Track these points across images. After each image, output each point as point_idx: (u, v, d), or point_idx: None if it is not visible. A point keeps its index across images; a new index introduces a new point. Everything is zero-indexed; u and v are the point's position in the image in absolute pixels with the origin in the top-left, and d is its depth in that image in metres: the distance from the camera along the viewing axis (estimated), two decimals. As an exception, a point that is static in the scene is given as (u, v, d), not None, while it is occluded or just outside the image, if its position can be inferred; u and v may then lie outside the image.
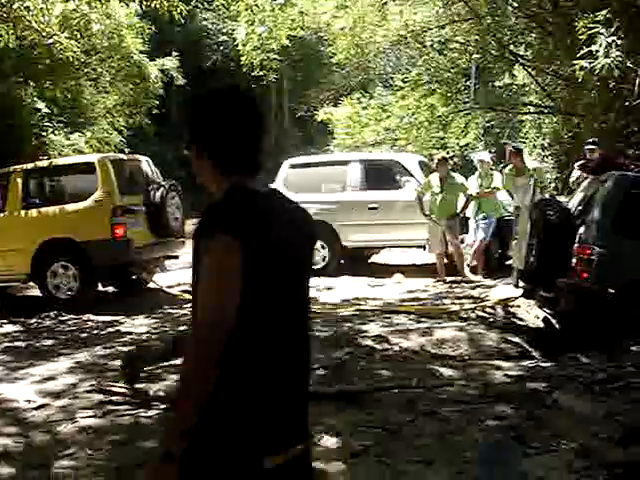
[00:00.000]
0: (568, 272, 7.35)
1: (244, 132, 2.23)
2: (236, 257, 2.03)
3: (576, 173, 10.18)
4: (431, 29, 14.95)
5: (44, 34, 12.08)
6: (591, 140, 10.45)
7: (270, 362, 2.13)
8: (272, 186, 2.40)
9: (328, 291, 10.93)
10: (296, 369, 2.23)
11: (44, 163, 11.81)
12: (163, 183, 11.12)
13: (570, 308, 7.35)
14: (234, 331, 2.01)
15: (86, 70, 14.28)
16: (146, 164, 11.42)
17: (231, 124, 2.22)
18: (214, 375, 2.01)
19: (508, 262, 10.86)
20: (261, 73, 15.13)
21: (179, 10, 9.87)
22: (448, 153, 12.43)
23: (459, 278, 11.20)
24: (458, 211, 11.40)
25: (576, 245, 7.37)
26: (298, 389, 2.24)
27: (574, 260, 7.34)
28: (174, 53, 19.75)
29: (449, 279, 11.20)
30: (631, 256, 7.13)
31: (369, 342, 7.45)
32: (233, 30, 20.07)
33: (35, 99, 15.94)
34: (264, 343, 2.11)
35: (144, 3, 9.78)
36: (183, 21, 11.45)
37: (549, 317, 7.87)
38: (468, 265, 11.52)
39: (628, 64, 9.83)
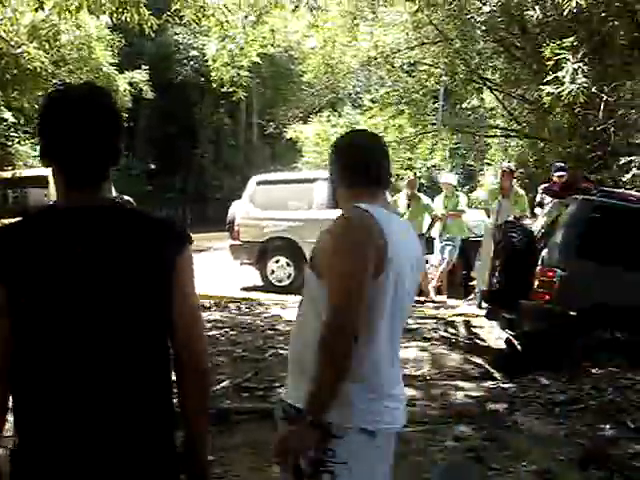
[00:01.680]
0: (530, 294, 7.41)
1: (62, 139, 1.91)
2: None
3: (541, 196, 10.29)
4: (400, 51, 15.07)
5: (12, 43, 11.99)
6: (559, 165, 10.44)
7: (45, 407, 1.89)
8: (125, 199, 2.14)
9: (293, 308, 10.88)
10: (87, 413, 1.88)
11: (6, 174, 11.66)
12: (115, 197, 11.02)
13: (531, 330, 7.39)
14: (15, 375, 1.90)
15: (54, 81, 14.14)
16: None
17: (51, 130, 1.94)
18: None
19: (472, 283, 10.93)
20: (231, 89, 15.11)
21: (150, 23, 9.78)
22: (415, 174, 12.49)
23: (422, 298, 11.22)
24: (424, 231, 11.44)
25: (539, 267, 7.43)
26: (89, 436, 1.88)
27: (536, 282, 7.39)
28: (144, 66, 19.70)
29: (413, 299, 11.21)
30: (593, 279, 7.20)
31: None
32: (204, 45, 20.07)
33: (1, 108, 15.76)
34: (36, 386, 1.89)
35: (115, 15, 9.69)
36: (154, 35, 11.37)
37: (511, 338, 7.91)
38: (434, 286, 11.55)
39: (593, 90, 10.01)
